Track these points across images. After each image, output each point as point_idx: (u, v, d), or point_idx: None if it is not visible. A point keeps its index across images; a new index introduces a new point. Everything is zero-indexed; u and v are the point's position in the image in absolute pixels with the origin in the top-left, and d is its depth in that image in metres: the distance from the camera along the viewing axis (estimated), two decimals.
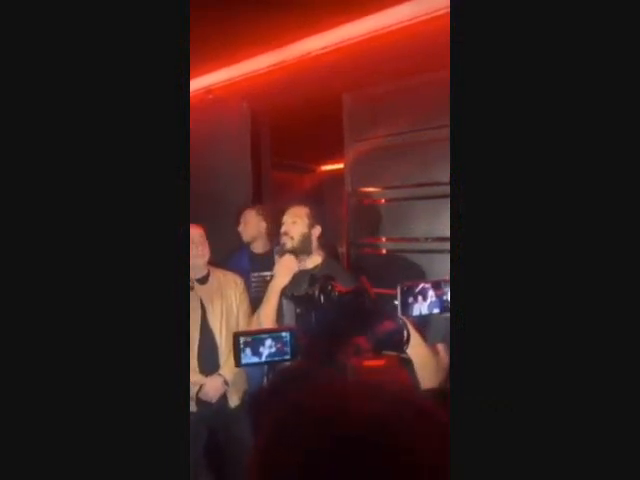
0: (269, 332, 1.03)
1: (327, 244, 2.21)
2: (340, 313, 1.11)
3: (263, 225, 2.64)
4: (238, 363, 1.02)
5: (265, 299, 1.93)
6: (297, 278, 1.92)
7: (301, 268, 1.94)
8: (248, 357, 1.01)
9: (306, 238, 1.94)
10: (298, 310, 1.14)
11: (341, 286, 1.17)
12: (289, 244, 1.93)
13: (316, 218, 1.98)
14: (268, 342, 1.02)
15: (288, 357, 1.02)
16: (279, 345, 1.02)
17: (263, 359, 1.02)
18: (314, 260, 1.97)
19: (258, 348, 1.02)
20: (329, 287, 1.13)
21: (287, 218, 1.98)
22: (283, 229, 1.96)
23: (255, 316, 2.02)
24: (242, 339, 1.01)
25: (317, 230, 1.96)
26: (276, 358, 1.02)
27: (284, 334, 1.02)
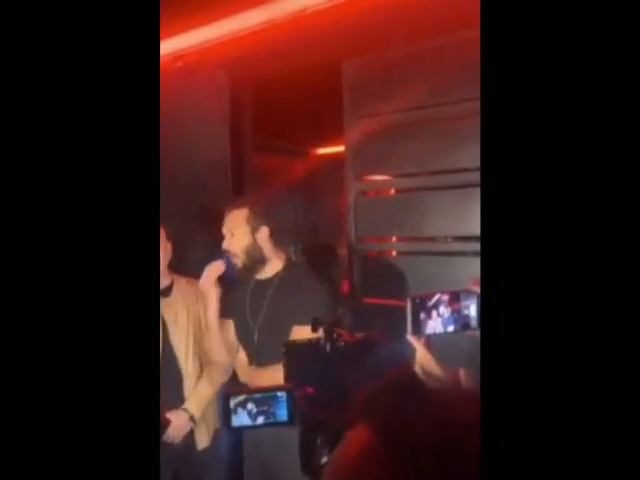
0: (264, 391, 1.11)
1: (321, 244, 2.19)
2: (346, 367, 1.16)
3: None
4: (227, 425, 1.10)
5: (205, 331, 1.97)
6: (257, 290, 1.94)
7: (260, 277, 1.96)
8: (239, 419, 1.10)
9: (252, 248, 1.96)
10: (300, 360, 1.19)
11: (348, 333, 1.21)
12: (238, 263, 1.94)
13: (260, 218, 1.98)
14: (261, 403, 1.09)
15: (285, 420, 1.09)
16: (274, 407, 1.09)
17: (256, 422, 1.10)
18: (274, 267, 2.00)
19: (251, 410, 1.10)
20: (334, 334, 1.18)
21: (224, 231, 1.99)
22: (224, 246, 1.97)
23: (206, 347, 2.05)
24: (233, 400, 1.09)
25: (263, 232, 1.98)
26: (271, 421, 1.10)
27: (279, 394, 1.10)
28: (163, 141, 2.91)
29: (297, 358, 1.19)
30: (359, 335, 1.25)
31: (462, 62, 2.09)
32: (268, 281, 2.04)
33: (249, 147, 3.34)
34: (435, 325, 1.27)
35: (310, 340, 1.22)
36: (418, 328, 1.25)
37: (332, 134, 3.27)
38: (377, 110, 2.60)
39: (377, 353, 1.18)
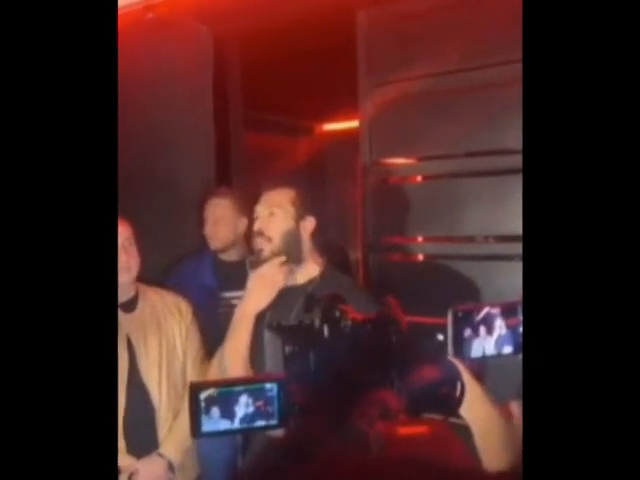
0: (245, 383, 1.03)
1: (330, 245, 2.17)
2: (355, 353, 1.11)
3: (243, 222, 2.64)
4: (196, 431, 0.99)
5: (231, 331, 1.91)
6: (283, 299, 1.91)
7: (288, 284, 1.93)
8: (213, 422, 0.99)
9: (292, 237, 1.92)
10: (288, 349, 1.13)
11: (355, 311, 1.16)
12: (267, 249, 1.91)
13: (307, 205, 1.95)
14: (243, 399, 1.00)
15: (274, 422, 1.01)
16: (260, 403, 1.01)
17: (236, 425, 1.00)
18: (308, 271, 1.96)
19: (229, 408, 1.00)
20: (337, 313, 1.13)
21: (261, 209, 1.95)
22: (256, 226, 1.94)
23: (216, 358, 2.00)
24: (203, 394, 0.99)
25: (309, 223, 1.94)
26: (257, 423, 1.01)
27: (268, 386, 1.02)
28: (130, 113, 2.92)
29: (284, 346, 1.13)
30: (371, 312, 1.19)
31: (504, 16, 2.09)
32: (299, 288, 1.99)
33: (238, 122, 3.34)
34: (485, 345, 1.23)
35: (302, 322, 1.16)
36: (461, 349, 1.21)
37: (343, 106, 3.29)
38: (399, 76, 2.59)
39: (396, 334, 1.13)
